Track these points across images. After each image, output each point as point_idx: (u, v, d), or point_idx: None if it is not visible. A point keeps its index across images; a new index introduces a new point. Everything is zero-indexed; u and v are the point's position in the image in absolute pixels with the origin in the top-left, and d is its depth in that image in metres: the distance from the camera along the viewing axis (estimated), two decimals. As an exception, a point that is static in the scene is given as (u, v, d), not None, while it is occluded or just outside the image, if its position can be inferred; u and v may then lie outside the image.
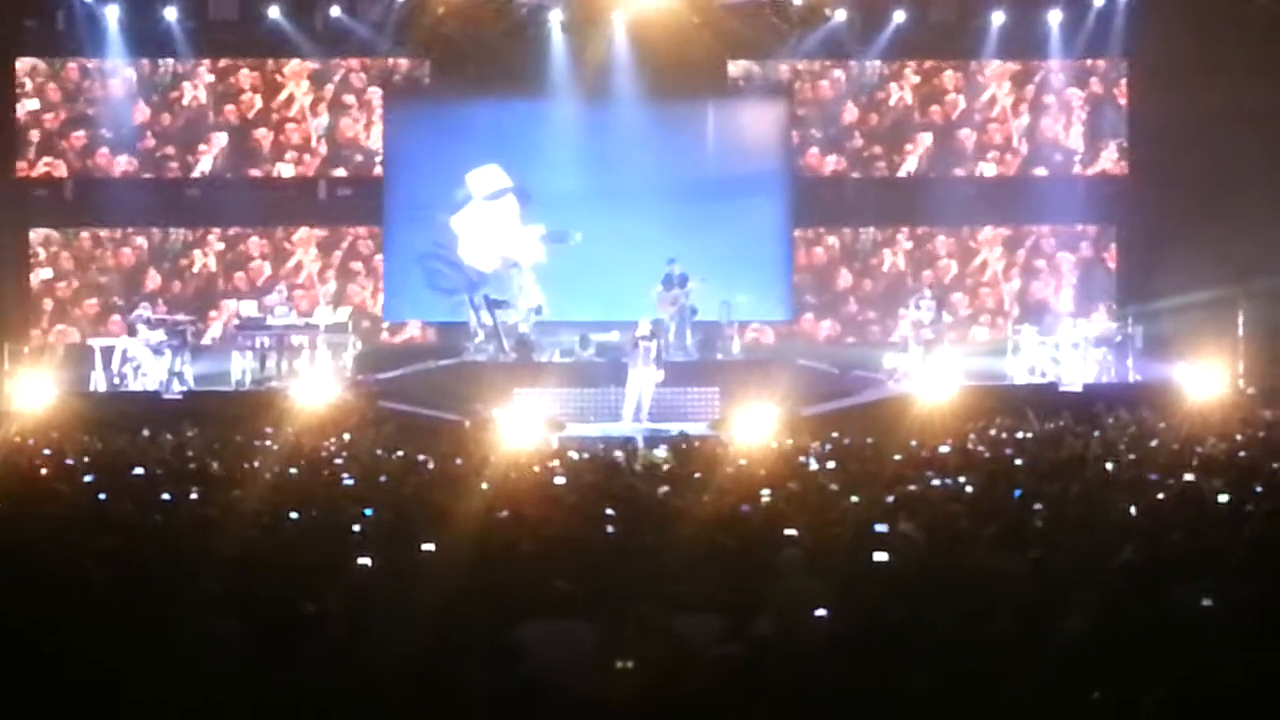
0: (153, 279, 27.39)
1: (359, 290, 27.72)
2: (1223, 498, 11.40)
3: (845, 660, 6.36)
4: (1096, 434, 17.93)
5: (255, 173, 27.56)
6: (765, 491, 12.17)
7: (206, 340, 26.59)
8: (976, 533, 9.78)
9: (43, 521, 10.97)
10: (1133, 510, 10.92)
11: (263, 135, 27.55)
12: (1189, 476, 12.89)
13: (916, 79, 27.99)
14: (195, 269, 27.56)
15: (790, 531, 9.69)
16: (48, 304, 27.30)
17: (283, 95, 27.65)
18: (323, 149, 27.67)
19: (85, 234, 27.48)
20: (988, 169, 28.03)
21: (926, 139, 27.95)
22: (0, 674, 6.03)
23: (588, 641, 7.11)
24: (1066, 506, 11.10)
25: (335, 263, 27.74)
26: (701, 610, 7.77)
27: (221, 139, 27.43)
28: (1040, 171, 28.09)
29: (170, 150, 27.40)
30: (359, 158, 27.77)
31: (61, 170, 27.35)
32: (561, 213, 26.98)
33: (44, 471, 15.02)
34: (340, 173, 27.72)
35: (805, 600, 7.78)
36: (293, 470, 14.82)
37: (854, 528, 10.14)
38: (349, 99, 27.69)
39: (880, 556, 8.89)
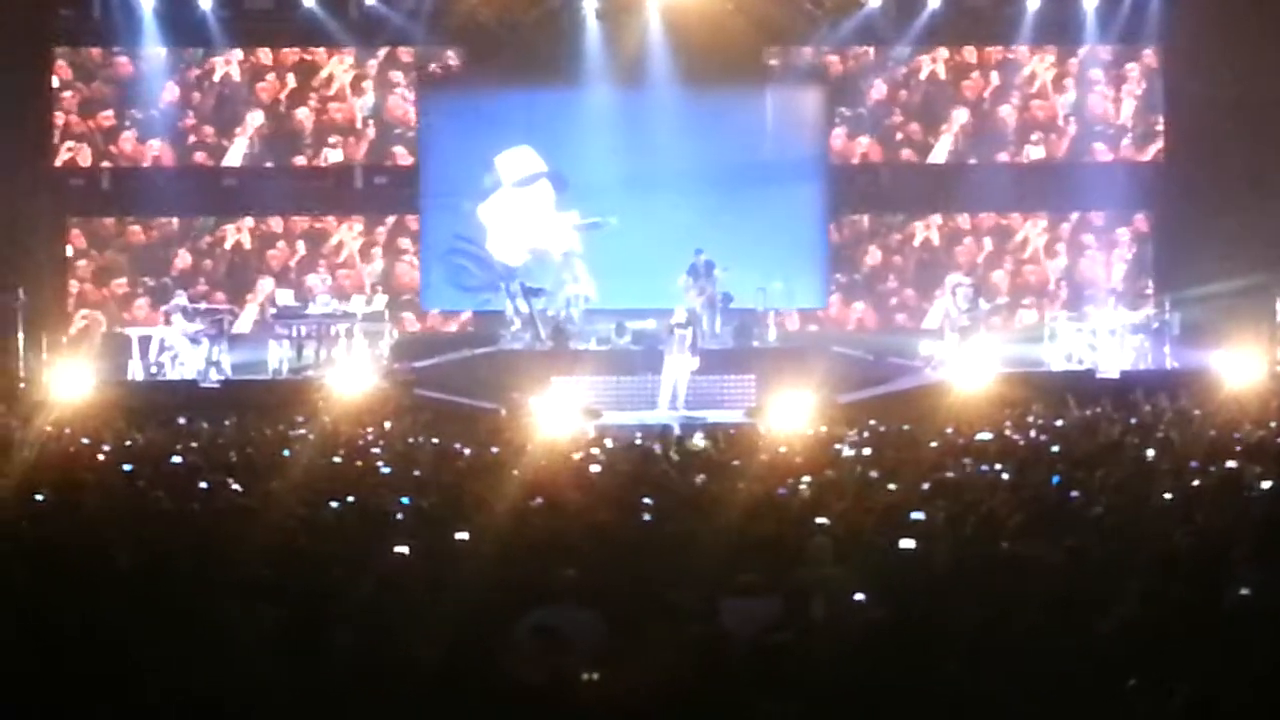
0: (183, 259, 27.38)
1: (407, 269, 27.68)
2: (1264, 484, 11.35)
3: (875, 648, 6.35)
4: (1133, 421, 17.84)
5: (299, 160, 27.42)
6: (805, 479, 12.17)
7: (243, 324, 26.62)
8: (1011, 520, 9.75)
9: (80, 511, 11.03)
10: (1168, 497, 10.88)
11: (304, 116, 27.50)
12: (1231, 464, 12.81)
13: (946, 53, 27.79)
14: (228, 246, 27.55)
15: (821, 520, 9.68)
16: (74, 286, 27.22)
17: (323, 74, 27.64)
18: (370, 131, 27.61)
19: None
20: (1025, 153, 27.81)
21: (962, 116, 27.75)
22: (34, 661, 6.07)
23: (614, 629, 7.12)
24: (1104, 494, 11.06)
25: (380, 240, 27.67)
26: (739, 596, 7.77)
27: (258, 118, 27.38)
28: (1077, 156, 27.85)
29: (209, 132, 27.35)
30: (410, 135, 27.61)
31: (99, 160, 27.34)
32: (596, 200, 26.88)
33: (82, 461, 15.09)
34: (398, 149, 27.56)
35: (834, 587, 7.78)
36: (336, 459, 14.86)
37: (883, 515, 10.13)
38: (396, 75, 27.65)
39: (908, 544, 8.88)
